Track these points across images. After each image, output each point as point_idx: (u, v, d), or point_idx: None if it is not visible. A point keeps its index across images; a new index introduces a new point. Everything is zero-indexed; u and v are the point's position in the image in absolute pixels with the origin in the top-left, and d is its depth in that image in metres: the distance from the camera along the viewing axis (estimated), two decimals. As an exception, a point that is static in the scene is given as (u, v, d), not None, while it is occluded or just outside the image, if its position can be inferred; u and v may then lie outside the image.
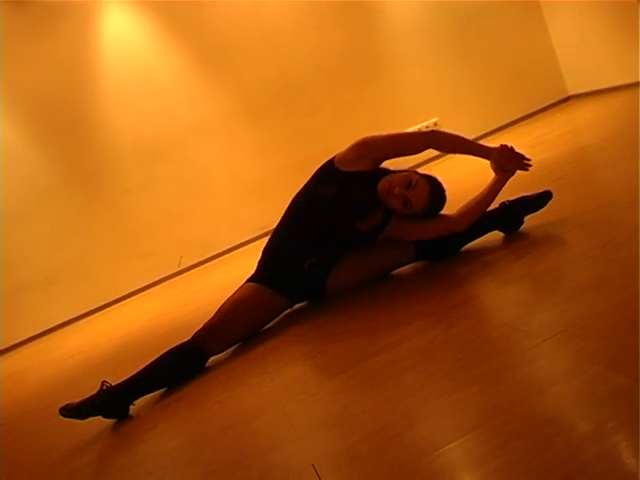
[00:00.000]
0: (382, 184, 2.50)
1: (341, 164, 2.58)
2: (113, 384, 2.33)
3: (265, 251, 2.78)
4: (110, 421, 2.31)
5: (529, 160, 2.45)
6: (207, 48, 5.71)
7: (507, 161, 2.44)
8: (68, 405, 2.25)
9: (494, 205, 2.55)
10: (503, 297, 2.04)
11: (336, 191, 2.53)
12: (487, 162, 2.51)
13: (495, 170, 2.47)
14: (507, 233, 2.53)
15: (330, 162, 2.63)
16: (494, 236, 2.56)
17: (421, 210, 2.48)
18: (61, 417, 2.26)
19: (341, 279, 2.66)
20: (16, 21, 5.36)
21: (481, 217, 2.51)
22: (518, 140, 5.11)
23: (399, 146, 2.59)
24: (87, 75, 5.51)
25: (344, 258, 2.65)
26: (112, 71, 5.54)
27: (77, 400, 2.28)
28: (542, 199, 2.49)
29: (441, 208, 2.52)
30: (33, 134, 5.46)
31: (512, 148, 2.46)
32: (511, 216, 2.50)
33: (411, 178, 2.46)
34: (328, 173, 2.60)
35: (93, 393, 2.30)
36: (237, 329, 2.58)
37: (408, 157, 2.65)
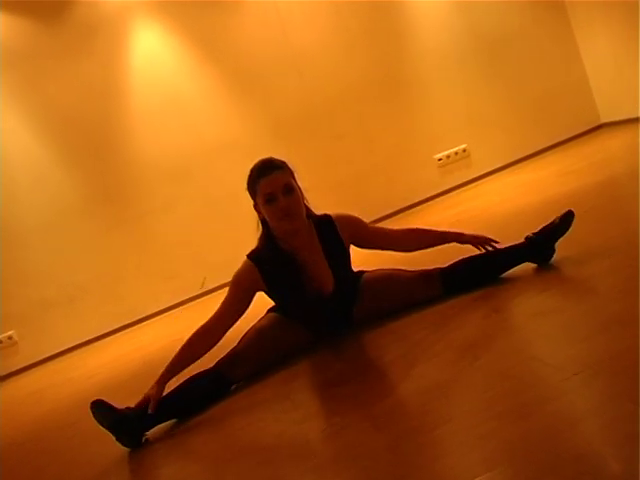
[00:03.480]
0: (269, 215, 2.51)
1: None
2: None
3: None
4: (117, 449, 2.30)
5: (497, 242, 2.60)
6: (235, 69, 5.79)
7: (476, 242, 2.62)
8: (102, 400, 2.32)
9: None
10: (531, 329, 2.04)
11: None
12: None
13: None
14: (539, 264, 2.53)
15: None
16: (524, 267, 2.55)
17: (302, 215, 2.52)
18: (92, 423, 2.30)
19: (366, 311, 2.65)
20: (48, 38, 5.49)
21: (510, 249, 2.54)
22: (547, 169, 5.10)
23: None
24: (116, 94, 5.62)
25: (369, 288, 2.64)
26: (140, 90, 5.64)
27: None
28: (566, 220, 2.48)
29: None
30: (61, 151, 5.57)
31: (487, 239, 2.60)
32: (541, 246, 2.50)
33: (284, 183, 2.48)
34: None
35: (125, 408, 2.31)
36: (260, 358, 2.59)
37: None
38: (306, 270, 2.54)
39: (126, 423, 2.27)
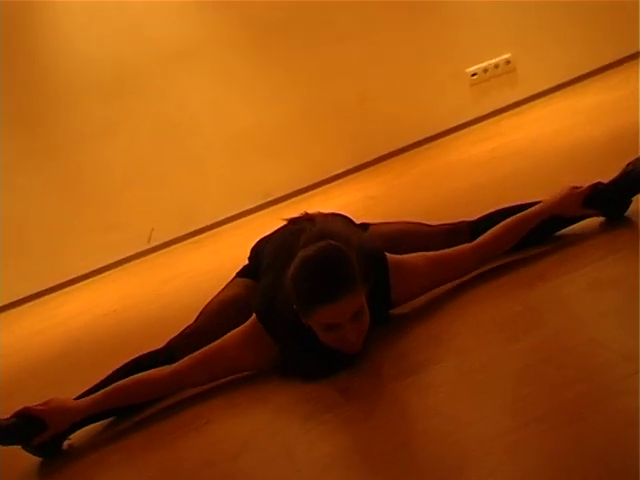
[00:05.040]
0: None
1: None
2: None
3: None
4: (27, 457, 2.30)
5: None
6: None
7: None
8: None
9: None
10: (589, 304, 2.04)
11: None
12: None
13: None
14: (609, 218, 2.52)
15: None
16: (586, 221, 2.53)
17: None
18: None
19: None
20: None
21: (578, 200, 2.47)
22: (616, 91, 5.04)
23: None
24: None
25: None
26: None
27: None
28: None
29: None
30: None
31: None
32: (612, 199, 2.48)
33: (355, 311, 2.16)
34: None
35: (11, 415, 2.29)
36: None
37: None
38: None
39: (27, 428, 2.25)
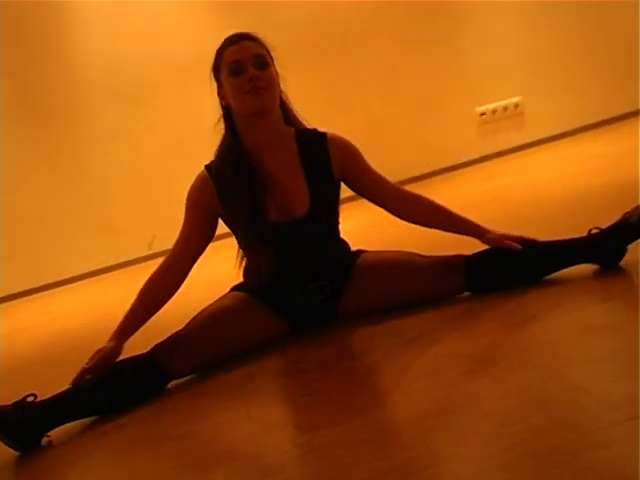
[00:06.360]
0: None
1: None
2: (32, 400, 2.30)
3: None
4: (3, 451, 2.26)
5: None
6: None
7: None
8: None
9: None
10: (579, 349, 1.99)
11: None
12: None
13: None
14: (602, 265, 2.48)
15: None
16: (581, 266, 2.50)
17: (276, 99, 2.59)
18: None
19: (358, 303, 2.63)
20: None
21: (565, 244, 2.50)
22: (623, 142, 5.04)
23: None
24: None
25: (367, 271, 2.63)
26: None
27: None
28: None
29: None
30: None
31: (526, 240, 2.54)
32: (608, 246, 2.44)
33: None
34: None
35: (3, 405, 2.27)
36: (211, 348, 2.56)
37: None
38: (272, 181, 2.57)
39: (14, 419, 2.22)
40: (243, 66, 2.51)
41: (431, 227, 2.69)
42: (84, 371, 2.38)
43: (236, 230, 2.67)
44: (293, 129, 2.67)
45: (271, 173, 2.57)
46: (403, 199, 2.73)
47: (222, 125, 2.68)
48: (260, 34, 2.64)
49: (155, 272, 2.63)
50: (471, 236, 2.59)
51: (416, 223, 2.71)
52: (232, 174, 2.58)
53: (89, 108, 5.61)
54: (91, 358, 2.41)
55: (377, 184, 2.72)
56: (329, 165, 2.63)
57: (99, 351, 2.43)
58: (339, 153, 2.65)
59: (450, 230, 2.65)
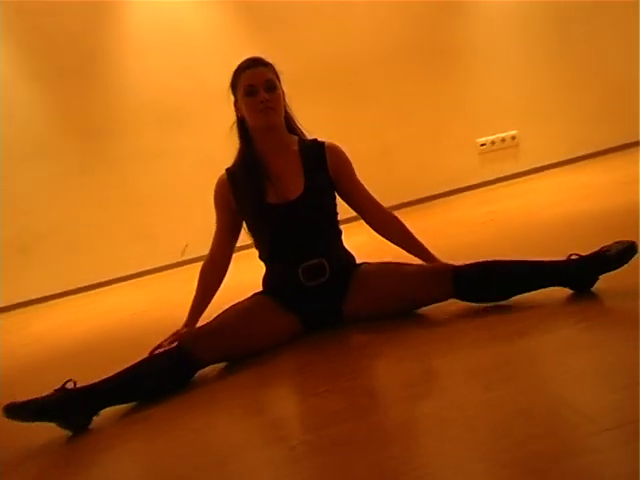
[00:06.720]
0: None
1: None
2: (78, 385, 2.30)
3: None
4: (58, 432, 2.25)
5: None
6: (249, 3, 5.70)
7: None
8: (13, 403, 2.20)
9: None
10: (561, 365, 1.96)
11: None
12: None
13: None
14: (576, 291, 2.45)
15: None
16: (557, 290, 2.47)
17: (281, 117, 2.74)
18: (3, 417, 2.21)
19: (358, 303, 2.67)
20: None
21: (545, 265, 2.48)
22: (610, 174, 5.00)
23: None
24: (107, 13, 5.54)
25: (365, 278, 2.69)
26: (137, 13, 5.57)
27: (27, 398, 2.23)
28: (625, 254, 2.38)
29: None
30: (33, 70, 5.48)
31: None
32: (584, 273, 2.42)
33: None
34: None
35: (49, 392, 2.25)
36: (234, 341, 2.57)
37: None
38: (274, 172, 2.72)
39: (54, 409, 2.22)
40: (256, 89, 2.68)
41: (393, 243, 2.84)
42: (159, 345, 2.58)
43: (245, 219, 2.79)
44: (297, 138, 2.83)
45: (273, 167, 2.73)
46: (379, 212, 2.85)
47: (235, 130, 2.83)
48: (271, 60, 2.81)
49: (205, 263, 2.85)
50: (423, 260, 2.75)
51: (383, 236, 2.86)
52: (243, 172, 2.75)
53: (132, 128, 5.62)
54: (168, 337, 2.63)
55: (360, 194, 2.85)
56: (325, 165, 2.77)
57: (176, 332, 2.66)
58: (334, 158, 2.80)
59: (408, 251, 2.80)
